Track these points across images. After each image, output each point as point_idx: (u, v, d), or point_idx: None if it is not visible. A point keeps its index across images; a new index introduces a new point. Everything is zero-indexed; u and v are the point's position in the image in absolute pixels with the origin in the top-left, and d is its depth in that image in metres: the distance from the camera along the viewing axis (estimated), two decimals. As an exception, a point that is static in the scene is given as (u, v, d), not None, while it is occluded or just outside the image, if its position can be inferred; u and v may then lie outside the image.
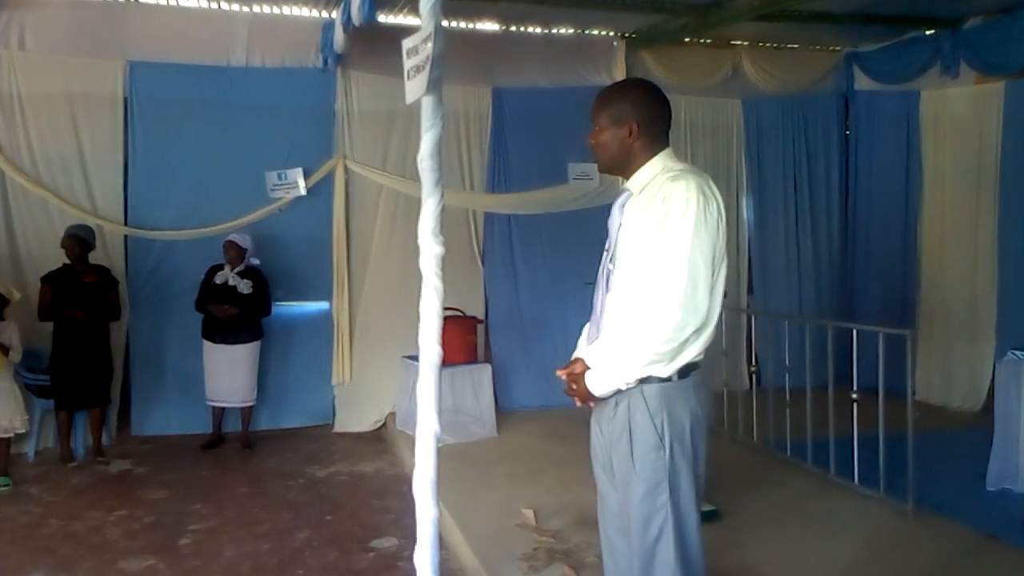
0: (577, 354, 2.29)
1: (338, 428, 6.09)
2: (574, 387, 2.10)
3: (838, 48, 7.10)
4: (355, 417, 6.13)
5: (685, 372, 2.01)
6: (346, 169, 6.05)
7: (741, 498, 3.93)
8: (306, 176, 5.94)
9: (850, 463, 4.10)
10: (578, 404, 2.16)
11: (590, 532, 3.51)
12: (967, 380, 6.36)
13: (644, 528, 1.99)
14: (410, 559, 3.57)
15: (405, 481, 4.90)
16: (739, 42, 6.82)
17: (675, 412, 1.99)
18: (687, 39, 6.61)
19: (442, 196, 2.28)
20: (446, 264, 7.02)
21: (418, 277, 6.69)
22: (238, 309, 5.43)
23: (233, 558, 3.64)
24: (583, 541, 3.40)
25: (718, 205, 1.98)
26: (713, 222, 1.95)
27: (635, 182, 2.10)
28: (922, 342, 6.44)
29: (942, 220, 6.63)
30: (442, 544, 3.69)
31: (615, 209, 2.17)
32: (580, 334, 2.34)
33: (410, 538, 4.01)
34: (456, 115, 6.27)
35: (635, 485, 2.00)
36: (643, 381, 1.99)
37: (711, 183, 2.01)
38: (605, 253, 2.19)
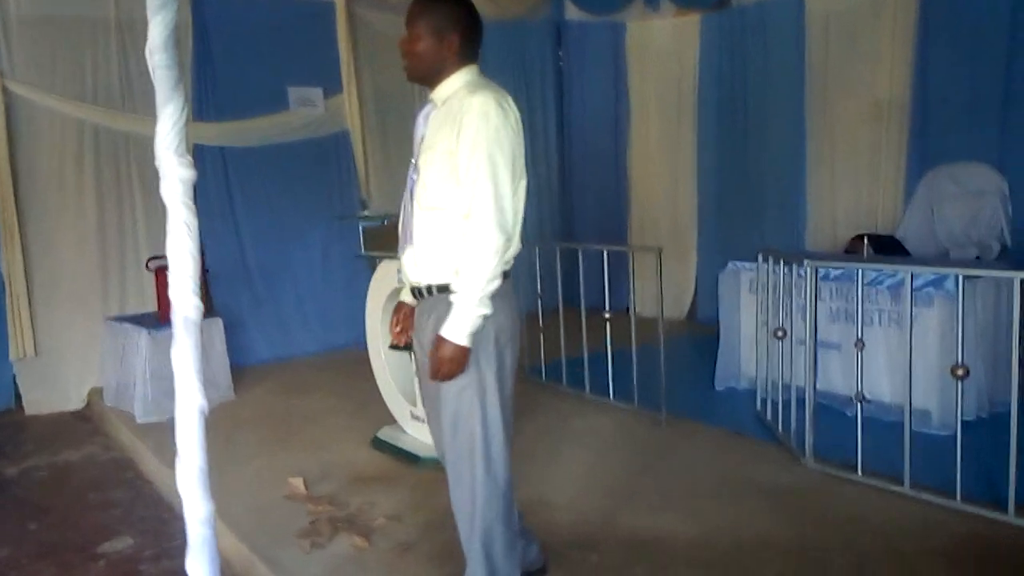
0: (405, 300, 2.33)
1: (29, 411, 5.03)
2: (443, 369, 1.97)
3: (549, -24, 7.20)
4: (50, 396, 5.09)
5: None
6: (5, 91, 4.83)
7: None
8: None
9: (604, 380, 4.28)
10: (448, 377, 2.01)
11: (369, 491, 3.23)
12: (672, 293, 6.99)
13: (452, 427, 2.05)
14: (154, 560, 3.04)
15: (127, 467, 4.16)
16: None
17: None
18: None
19: (185, 103, 1.78)
20: (149, 205, 6.01)
21: (117, 226, 5.71)
22: None
23: (-102, 601, 2.76)
24: (364, 503, 3.09)
25: (516, 118, 2.02)
26: (512, 135, 1.98)
27: (439, 93, 2.09)
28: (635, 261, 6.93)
29: (647, 147, 7.11)
30: (195, 534, 3.15)
31: (419, 120, 2.15)
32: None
33: (149, 534, 3.39)
34: (146, 26, 5.30)
35: (443, 388, 2.03)
36: (445, 291, 2.00)
37: (508, 99, 2.02)
38: (410, 164, 2.15)
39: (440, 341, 1.94)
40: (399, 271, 2.35)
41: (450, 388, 2.02)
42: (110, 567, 2.94)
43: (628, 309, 4.38)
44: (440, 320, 1.98)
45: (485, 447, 2.04)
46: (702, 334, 5.86)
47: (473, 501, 2.05)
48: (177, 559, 3.00)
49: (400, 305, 2.36)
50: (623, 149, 7.25)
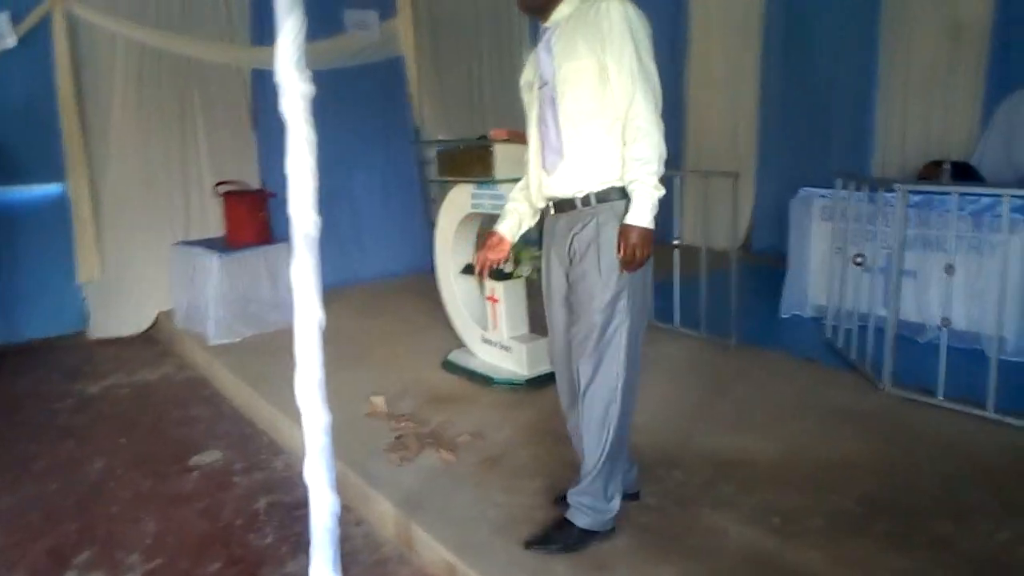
0: (500, 229, 2.41)
1: (97, 334, 5.18)
2: (637, 254, 2.02)
3: None
4: (117, 319, 5.22)
5: None
6: (69, 15, 4.81)
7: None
8: (14, 23, 4.66)
9: (664, 308, 4.29)
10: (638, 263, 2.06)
11: (447, 410, 3.30)
12: (729, 222, 6.87)
13: (602, 332, 2.08)
14: (245, 472, 3.15)
15: (204, 385, 4.28)
16: None
17: None
18: None
19: (304, 16, 1.76)
20: (211, 131, 6.02)
21: (179, 151, 5.71)
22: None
23: (13, 507, 2.90)
24: (445, 421, 3.16)
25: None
26: (648, 30, 2.05)
27: (559, 14, 2.14)
28: (687, 188, 6.81)
29: (708, 69, 6.89)
30: (283, 450, 3.27)
31: (541, 52, 2.16)
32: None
33: (236, 448, 3.51)
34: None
35: (598, 295, 2.07)
36: (606, 199, 2.07)
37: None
38: (540, 90, 2.17)
39: (627, 229, 2.00)
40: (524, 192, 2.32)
41: (604, 296, 2.05)
42: (204, 478, 3.06)
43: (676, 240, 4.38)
44: (601, 226, 2.05)
45: (628, 359, 2.09)
46: (759, 264, 5.81)
47: (606, 414, 2.09)
48: (267, 471, 3.14)
49: (492, 234, 2.42)
50: (680, 70, 7.04)
